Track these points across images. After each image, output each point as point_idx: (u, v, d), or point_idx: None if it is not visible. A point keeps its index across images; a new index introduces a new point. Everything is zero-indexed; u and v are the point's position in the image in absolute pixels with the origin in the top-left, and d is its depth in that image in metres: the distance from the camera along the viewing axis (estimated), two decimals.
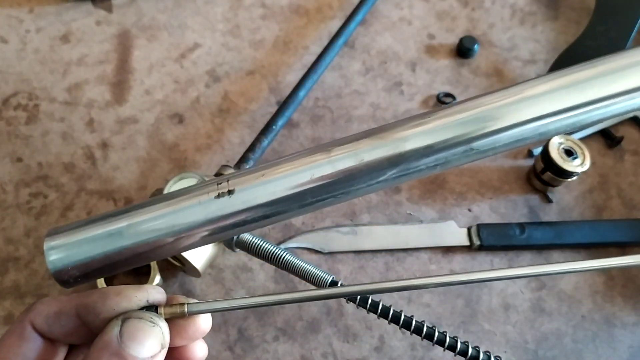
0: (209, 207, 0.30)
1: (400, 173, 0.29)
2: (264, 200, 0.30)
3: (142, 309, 0.29)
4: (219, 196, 0.30)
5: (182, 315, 0.30)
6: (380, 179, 0.29)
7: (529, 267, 0.30)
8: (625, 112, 0.29)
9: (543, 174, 0.53)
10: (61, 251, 0.30)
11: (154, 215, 0.30)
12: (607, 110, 0.29)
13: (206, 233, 0.30)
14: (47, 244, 0.30)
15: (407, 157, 0.29)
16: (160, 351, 0.28)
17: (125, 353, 0.27)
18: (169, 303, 0.30)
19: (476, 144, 0.29)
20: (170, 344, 0.29)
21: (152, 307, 0.29)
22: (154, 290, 0.29)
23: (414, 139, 0.29)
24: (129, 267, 0.31)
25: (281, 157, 0.31)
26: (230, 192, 0.30)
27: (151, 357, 0.27)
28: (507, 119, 0.29)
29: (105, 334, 0.27)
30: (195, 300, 0.30)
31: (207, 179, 0.45)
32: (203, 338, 0.33)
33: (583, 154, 0.52)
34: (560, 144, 0.52)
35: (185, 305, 0.30)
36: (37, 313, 0.29)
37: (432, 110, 0.30)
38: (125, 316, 0.28)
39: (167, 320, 0.29)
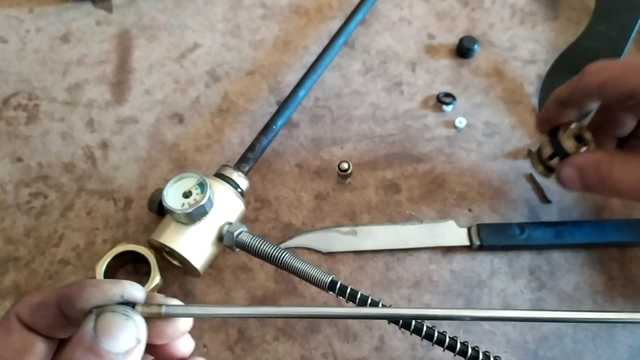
0: None
1: None
2: None
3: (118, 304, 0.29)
4: None
5: (159, 317, 0.30)
6: None
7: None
8: None
9: (551, 159, 0.48)
10: None
11: None
12: None
13: None
14: None
15: None
16: (136, 346, 0.28)
17: (99, 348, 0.26)
18: (147, 302, 0.30)
19: None
20: (150, 342, 0.29)
21: (130, 304, 0.29)
22: (131, 287, 0.29)
23: None
24: None
25: None
26: None
27: (126, 351, 0.27)
28: None
29: (80, 329, 0.27)
30: (174, 301, 0.30)
31: (206, 179, 0.45)
32: (197, 336, 0.33)
33: (592, 143, 0.46)
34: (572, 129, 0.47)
35: (163, 307, 0.29)
36: (21, 304, 0.29)
37: None
38: (99, 310, 0.28)
39: (144, 318, 0.29)
